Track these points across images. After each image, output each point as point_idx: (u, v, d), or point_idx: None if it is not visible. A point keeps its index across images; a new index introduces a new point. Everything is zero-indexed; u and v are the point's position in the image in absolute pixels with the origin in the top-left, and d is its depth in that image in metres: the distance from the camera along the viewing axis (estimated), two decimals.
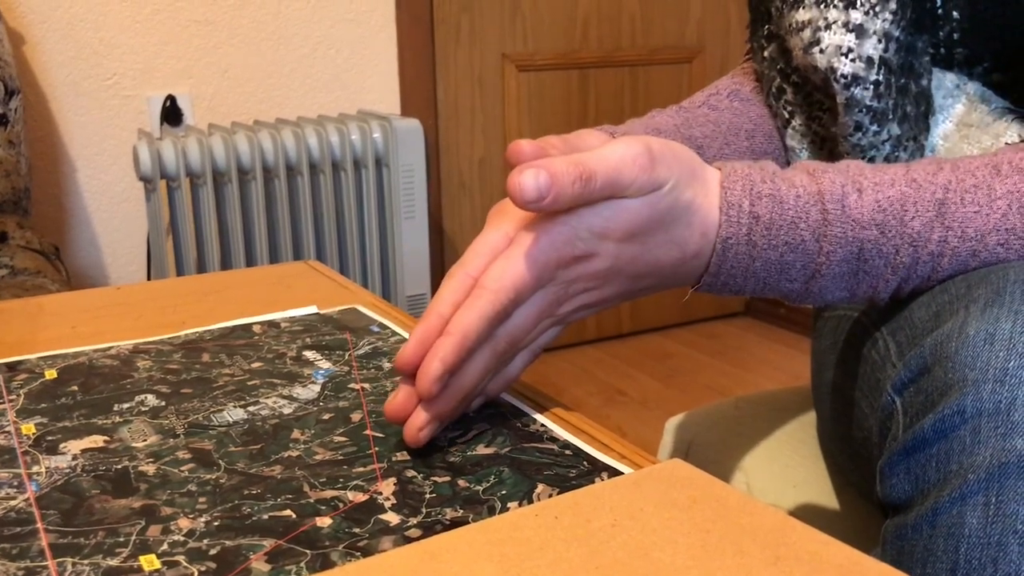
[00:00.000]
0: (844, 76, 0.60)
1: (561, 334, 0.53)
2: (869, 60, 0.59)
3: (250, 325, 0.66)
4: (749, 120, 0.72)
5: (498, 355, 0.48)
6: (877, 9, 0.58)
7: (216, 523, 0.40)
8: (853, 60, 0.59)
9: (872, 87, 0.59)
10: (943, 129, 0.62)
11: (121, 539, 0.39)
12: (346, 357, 0.60)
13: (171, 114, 2.03)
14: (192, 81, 2.05)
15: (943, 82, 0.61)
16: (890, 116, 0.60)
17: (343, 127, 1.95)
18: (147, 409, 0.52)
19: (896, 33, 0.59)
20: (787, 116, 0.70)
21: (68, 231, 2.01)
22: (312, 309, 0.69)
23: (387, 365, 0.58)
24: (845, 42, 0.59)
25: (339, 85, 2.19)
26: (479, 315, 0.46)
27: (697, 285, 0.51)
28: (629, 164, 0.46)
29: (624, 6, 2.48)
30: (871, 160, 0.62)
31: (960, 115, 0.61)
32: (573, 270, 0.48)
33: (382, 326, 0.65)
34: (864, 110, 0.60)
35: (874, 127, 0.60)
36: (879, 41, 0.59)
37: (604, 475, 0.44)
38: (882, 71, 0.59)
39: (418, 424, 0.46)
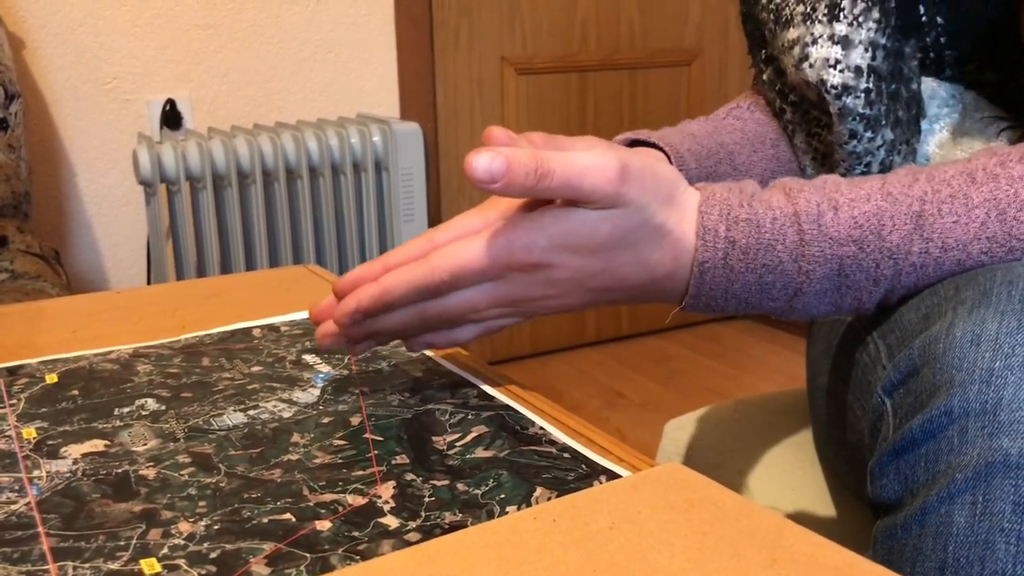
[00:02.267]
0: (834, 87, 0.60)
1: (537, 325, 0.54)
2: (857, 69, 0.60)
3: (250, 329, 0.66)
4: (773, 129, 0.73)
5: (424, 318, 0.52)
6: (860, 20, 0.59)
7: (216, 527, 0.40)
8: (841, 71, 0.60)
9: (863, 95, 0.60)
10: (939, 138, 0.63)
11: (122, 543, 0.39)
12: (345, 361, 0.60)
13: (171, 118, 2.03)
14: (192, 85, 2.06)
15: (938, 92, 0.62)
16: (883, 122, 0.61)
17: (342, 131, 1.95)
18: (147, 413, 0.52)
19: (882, 41, 0.60)
20: (789, 134, 0.72)
21: (68, 235, 2.02)
22: None
23: (387, 369, 0.58)
24: (832, 54, 0.60)
25: (338, 89, 2.20)
26: (408, 281, 0.50)
27: (681, 305, 0.52)
28: (596, 173, 0.47)
29: (623, 9, 2.48)
30: (867, 166, 0.63)
31: (955, 125, 0.62)
32: (531, 276, 0.50)
33: None
34: (857, 118, 0.61)
35: (868, 134, 0.61)
36: (865, 50, 0.59)
37: (602, 478, 0.44)
38: (871, 79, 0.60)
39: (325, 331, 0.54)
